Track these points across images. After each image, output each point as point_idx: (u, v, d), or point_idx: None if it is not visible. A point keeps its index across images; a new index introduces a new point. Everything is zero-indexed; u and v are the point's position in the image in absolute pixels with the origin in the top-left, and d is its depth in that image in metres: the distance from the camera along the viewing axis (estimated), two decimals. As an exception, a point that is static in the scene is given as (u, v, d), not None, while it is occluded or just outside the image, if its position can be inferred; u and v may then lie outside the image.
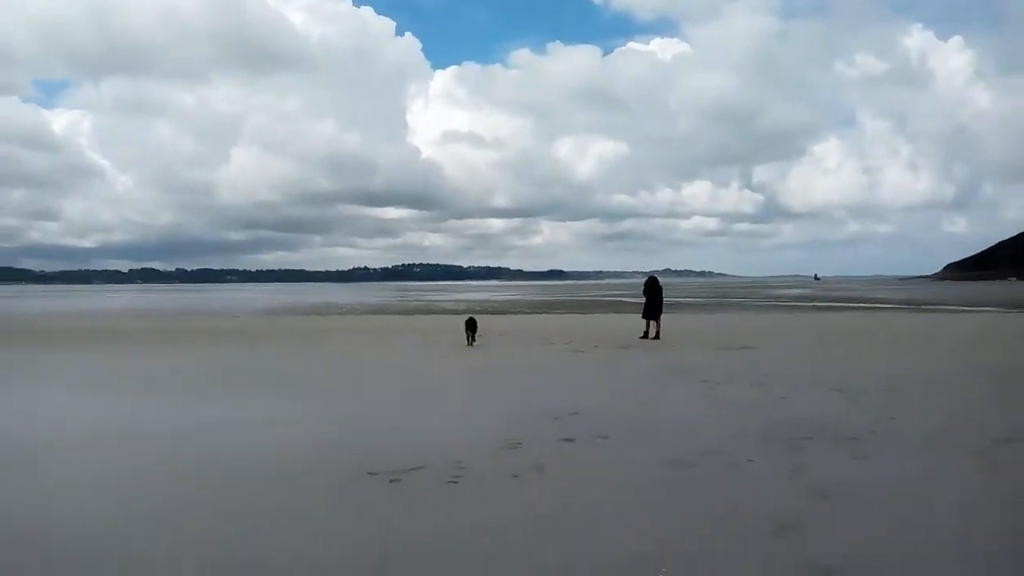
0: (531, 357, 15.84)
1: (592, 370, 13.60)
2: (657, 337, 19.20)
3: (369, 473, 6.12)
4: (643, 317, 19.85)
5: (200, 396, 10.64)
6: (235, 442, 7.66)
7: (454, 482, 5.89)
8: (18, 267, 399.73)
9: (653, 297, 19.76)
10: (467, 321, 18.37)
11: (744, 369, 12.98)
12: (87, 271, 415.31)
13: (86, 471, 6.65)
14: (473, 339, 17.78)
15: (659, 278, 20.59)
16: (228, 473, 6.41)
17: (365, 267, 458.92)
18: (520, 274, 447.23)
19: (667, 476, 6.11)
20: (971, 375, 12.50)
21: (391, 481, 5.91)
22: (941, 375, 12.43)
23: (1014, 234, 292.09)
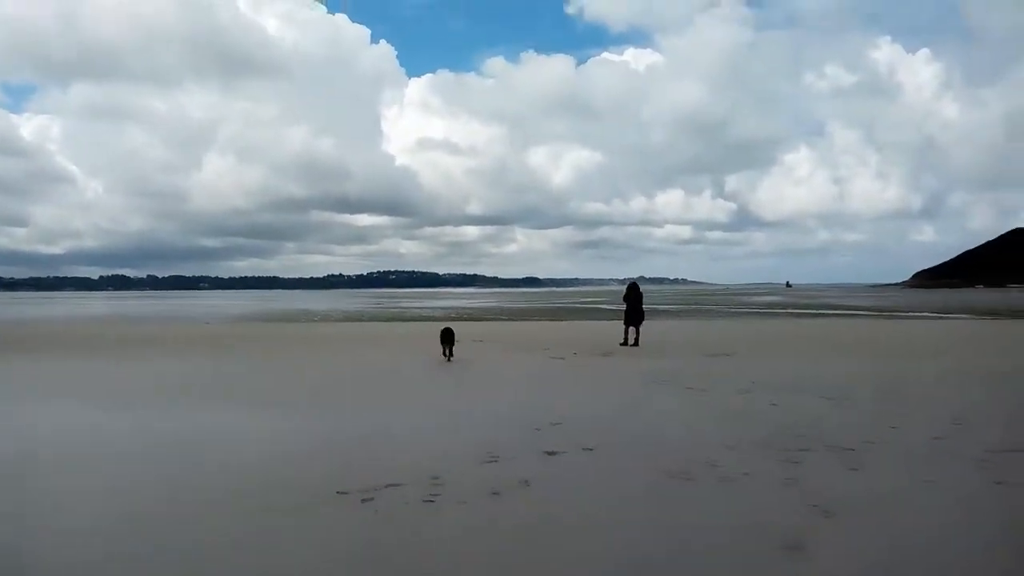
0: (509, 365, 15.43)
1: (573, 378, 13.21)
2: (636, 344, 18.91)
3: (339, 492, 5.65)
4: (624, 324, 19.54)
5: (156, 408, 10.07)
6: (189, 458, 7.13)
7: (431, 501, 5.45)
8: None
9: (634, 303, 19.46)
10: (443, 332, 16.05)
11: (728, 376, 12.67)
12: (57, 278, 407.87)
13: (40, 486, 6.11)
14: (451, 353, 15.74)
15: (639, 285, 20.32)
16: (178, 492, 5.88)
17: (340, 274, 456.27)
18: (496, 281, 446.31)
19: (660, 491, 5.72)
20: (959, 381, 12.31)
21: (363, 500, 5.45)
22: (929, 381, 12.22)
23: (981, 243, 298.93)
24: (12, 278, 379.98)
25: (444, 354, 15.70)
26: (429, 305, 76.34)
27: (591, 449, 7.10)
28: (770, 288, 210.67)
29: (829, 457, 6.72)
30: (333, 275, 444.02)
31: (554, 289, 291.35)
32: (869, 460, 6.61)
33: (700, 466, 6.33)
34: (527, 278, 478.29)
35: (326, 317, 50.32)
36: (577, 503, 5.46)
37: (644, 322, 19.72)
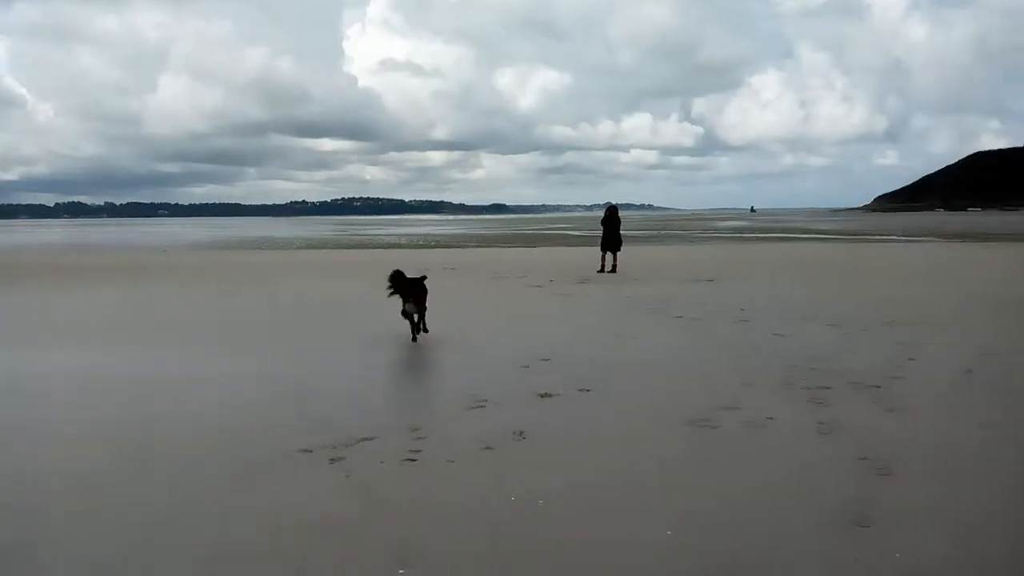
0: (485, 293, 14.56)
1: (554, 307, 12.38)
2: (614, 271, 18.16)
3: (302, 450, 4.74)
4: (602, 249, 18.70)
5: (99, 345, 9.03)
6: (130, 404, 6.16)
7: (411, 460, 4.58)
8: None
9: (612, 229, 18.60)
10: (400, 287, 8.97)
11: (717, 303, 11.91)
12: (11, 205, 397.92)
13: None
14: (421, 326, 8.90)
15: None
16: (113, 444, 4.96)
17: (304, 201, 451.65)
18: (462, 208, 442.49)
19: (682, 443, 4.91)
20: (961, 306, 11.73)
21: (331, 460, 4.56)
22: (931, 307, 11.58)
23: (941, 167, 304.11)
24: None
25: (411, 325, 8.89)
26: (396, 232, 74.68)
27: (588, 390, 6.28)
28: (735, 213, 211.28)
29: (857, 396, 5.98)
30: (296, 202, 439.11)
31: (522, 216, 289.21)
32: (904, 399, 5.88)
33: (719, 410, 5.54)
34: (494, 204, 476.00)
35: (287, 245, 48.70)
36: (586, 459, 4.64)
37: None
